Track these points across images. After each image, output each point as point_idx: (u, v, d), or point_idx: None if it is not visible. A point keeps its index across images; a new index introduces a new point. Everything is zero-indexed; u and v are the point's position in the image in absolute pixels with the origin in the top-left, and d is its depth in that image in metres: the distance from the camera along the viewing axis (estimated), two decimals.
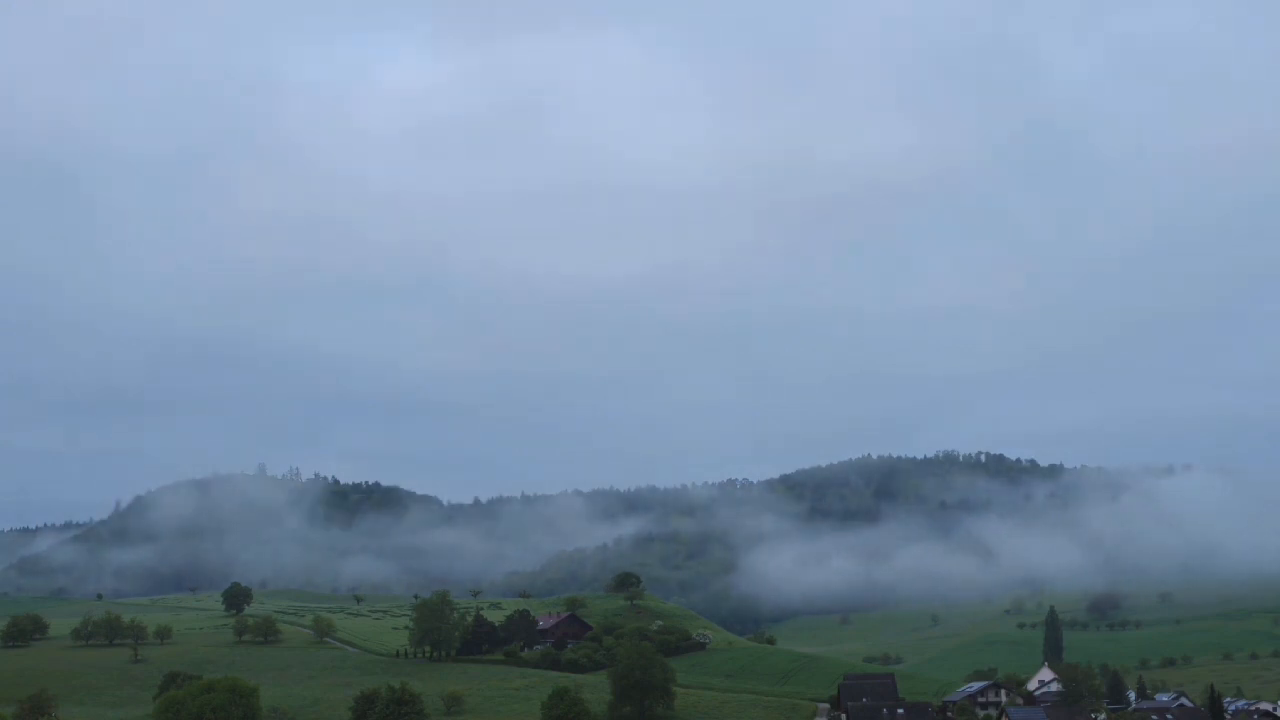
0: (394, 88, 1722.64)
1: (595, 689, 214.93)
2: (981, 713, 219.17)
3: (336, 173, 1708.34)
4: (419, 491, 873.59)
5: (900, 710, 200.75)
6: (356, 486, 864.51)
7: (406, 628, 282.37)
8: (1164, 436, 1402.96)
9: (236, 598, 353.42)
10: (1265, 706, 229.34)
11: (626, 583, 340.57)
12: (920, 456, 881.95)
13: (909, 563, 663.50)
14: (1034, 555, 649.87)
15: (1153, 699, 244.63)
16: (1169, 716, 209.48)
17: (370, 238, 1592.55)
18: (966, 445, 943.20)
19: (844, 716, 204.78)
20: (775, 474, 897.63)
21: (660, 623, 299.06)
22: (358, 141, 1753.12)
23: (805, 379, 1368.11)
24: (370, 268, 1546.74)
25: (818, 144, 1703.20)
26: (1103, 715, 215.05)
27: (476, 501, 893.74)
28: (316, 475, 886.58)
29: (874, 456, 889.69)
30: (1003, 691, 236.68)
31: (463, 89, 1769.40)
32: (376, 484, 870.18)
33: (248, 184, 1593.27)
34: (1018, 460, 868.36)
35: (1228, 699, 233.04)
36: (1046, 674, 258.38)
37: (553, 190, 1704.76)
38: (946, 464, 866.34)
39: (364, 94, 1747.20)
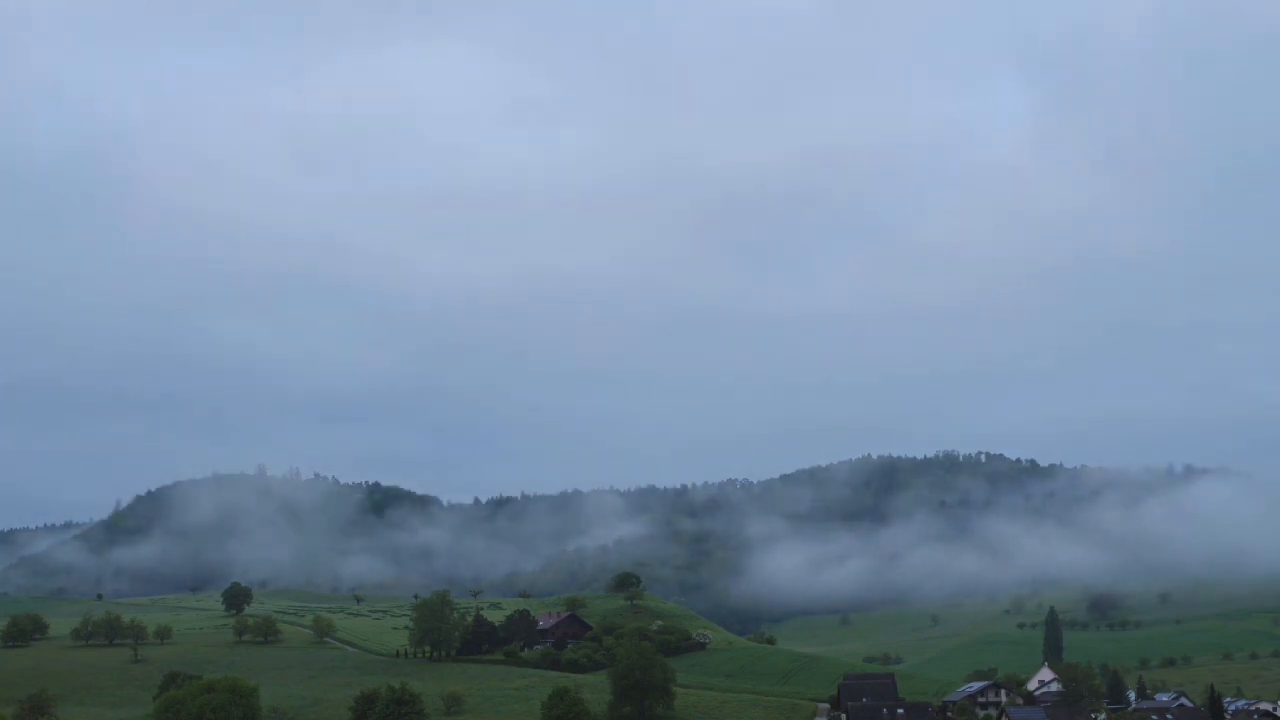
0: (264, 99, 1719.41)
1: (595, 689, 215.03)
2: (981, 713, 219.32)
3: (242, 174, 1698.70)
4: (419, 491, 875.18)
5: (900, 710, 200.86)
6: (356, 486, 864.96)
7: (406, 628, 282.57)
8: (1164, 437, 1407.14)
9: (236, 598, 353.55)
10: (1265, 706, 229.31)
11: (626, 583, 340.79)
12: (920, 456, 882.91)
13: (909, 562, 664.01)
14: (1034, 555, 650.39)
15: (1153, 699, 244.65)
16: (1169, 716, 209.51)
17: (269, 237, 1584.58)
18: (966, 445, 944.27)
19: (844, 716, 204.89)
20: (775, 474, 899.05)
21: (660, 623, 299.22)
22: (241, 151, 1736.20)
23: (802, 379, 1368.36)
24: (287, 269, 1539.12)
25: (701, 148, 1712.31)
26: (1103, 715, 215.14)
27: (476, 501, 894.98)
28: (316, 475, 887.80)
29: (874, 456, 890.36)
30: (1003, 691, 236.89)
31: (330, 97, 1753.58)
32: (376, 484, 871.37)
33: (163, 186, 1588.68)
34: (1018, 460, 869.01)
35: (1228, 699, 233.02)
36: (1046, 674, 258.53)
37: (428, 193, 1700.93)
38: (947, 464, 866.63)
39: (242, 105, 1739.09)
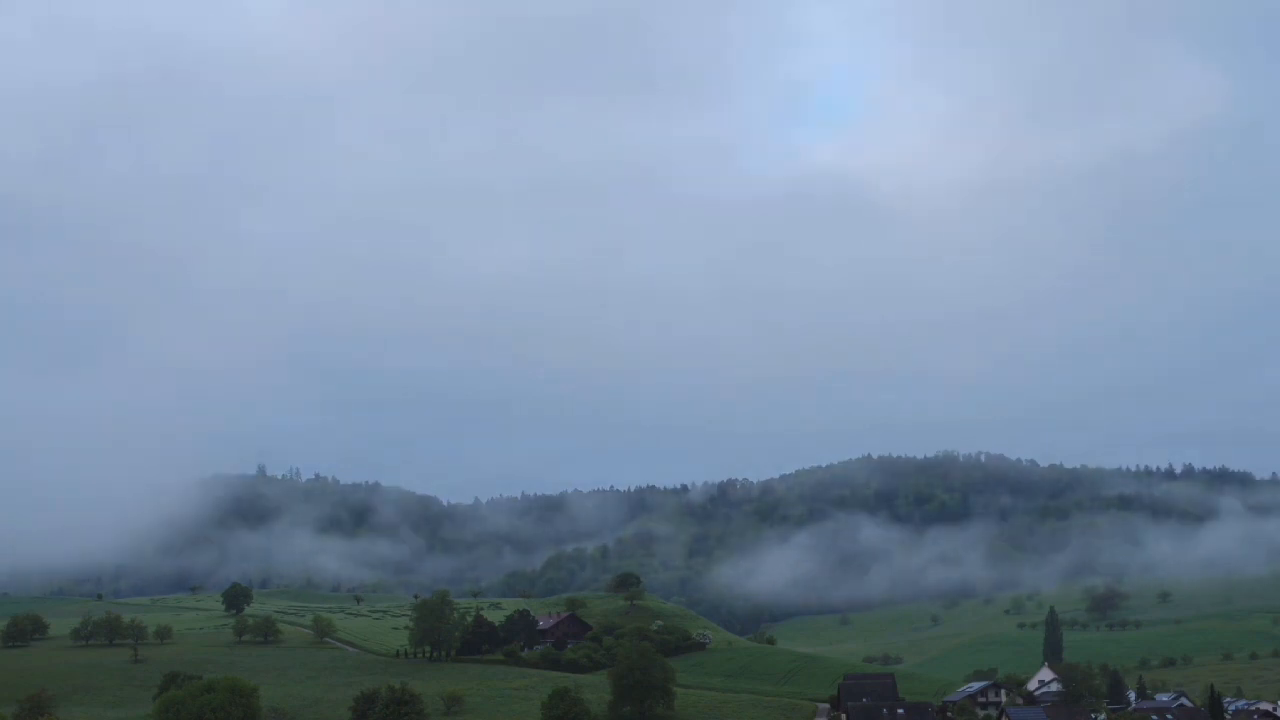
0: None
1: (595, 689, 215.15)
2: (981, 713, 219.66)
3: None
4: (419, 491, 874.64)
5: (900, 710, 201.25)
6: (357, 486, 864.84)
7: (406, 628, 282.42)
8: (1163, 438, 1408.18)
9: (236, 598, 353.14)
10: (1265, 706, 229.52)
11: (626, 583, 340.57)
12: (920, 456, 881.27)
13: (909, 562, 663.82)
14: (1034, 555, 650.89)
15: (1153, 699, 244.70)
16: (1169, 716, 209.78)
17: None
18: (966, 445, 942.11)
19: (844, 716, 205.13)
20: (775, 474, 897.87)
21: (660, 623, 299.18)
22: None
23: (803, 378, 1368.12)
24: None
25: None
26: (1103, 715, 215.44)
27: (476, 501, 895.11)
28: (317, 475, 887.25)
29: (874, 456, 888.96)
30: (1003, 691, 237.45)
31: None
32: (377, 484, 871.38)
33: None
34: (1018, 460, 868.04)
35: (1228, 699, 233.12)
36: (1046, 674, 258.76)
37: None
38: (947, 464, 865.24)
39: None
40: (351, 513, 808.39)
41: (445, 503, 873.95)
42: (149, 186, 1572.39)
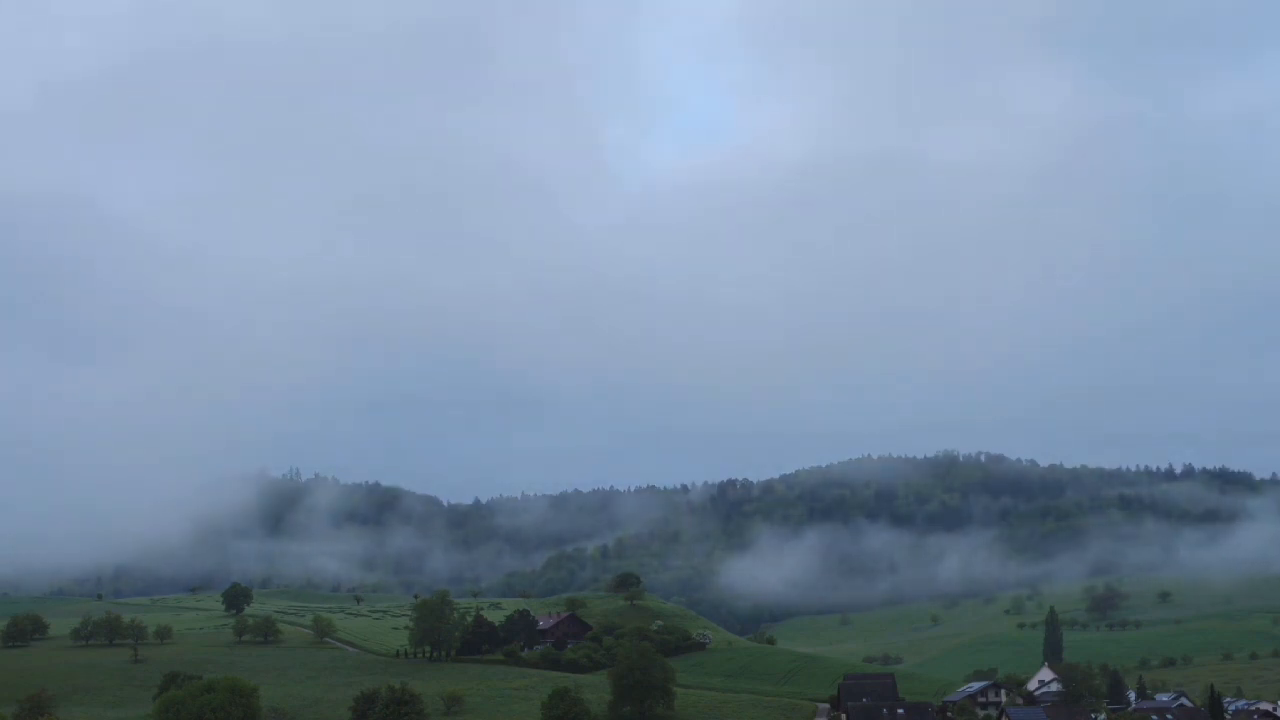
0: None
1: (595, 689, 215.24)
2: (981, 713, 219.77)
3: None
4: (419, 491, 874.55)
5: (900, 710, 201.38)
6: (356, 486, 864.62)
7: (406, 628, 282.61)
8: (1163, 439, 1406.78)
9: (236, 598, 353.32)
10: (1265, 706, 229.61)
11: (626, 583, 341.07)
12: (920, 456, 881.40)
13: (909, 562, 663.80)
14: (1035, 555, 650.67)
15: (1153, 699, 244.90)
16: (1169, 716, 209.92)
17: None
18: (966, 445, 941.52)
19: (844, 716, 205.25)
20: (775, 474, 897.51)
21: (660, 623, 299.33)
22: None
23: (804, 378, 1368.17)
24: None
25: None
26: (1103, 715, 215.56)
27: (476, 501, 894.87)
28: (317, 476, 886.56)
29: (874, 456, 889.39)
30: (1003, 691, 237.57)
31: None
32: (377, 484, 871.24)
33: None
34: (1018, 460, 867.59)
35: (1228, 699, 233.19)
36: (1046, 674, 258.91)
37: None
38: (947, 464, 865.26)
39: None
40: (351, 513, 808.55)
41: (445, 503, 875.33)
42: (146, 186, 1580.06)
